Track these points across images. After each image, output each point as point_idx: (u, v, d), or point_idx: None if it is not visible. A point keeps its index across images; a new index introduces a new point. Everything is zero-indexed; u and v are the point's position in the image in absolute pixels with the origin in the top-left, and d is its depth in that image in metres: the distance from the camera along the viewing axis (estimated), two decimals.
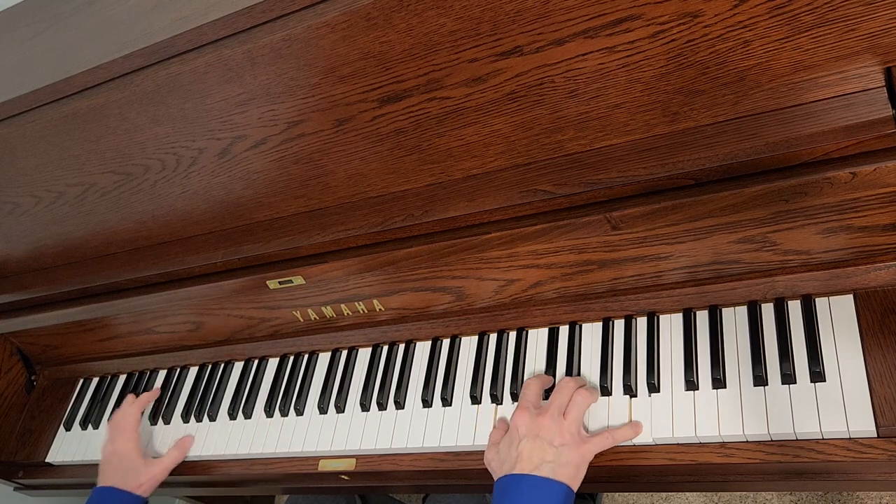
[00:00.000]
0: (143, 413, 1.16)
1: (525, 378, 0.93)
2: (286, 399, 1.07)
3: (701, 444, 0.79)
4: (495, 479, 0.82)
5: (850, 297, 0.79)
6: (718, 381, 0.81)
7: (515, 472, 0.79)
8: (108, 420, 1.15)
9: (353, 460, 0.99)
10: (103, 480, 1.06)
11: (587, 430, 0.84)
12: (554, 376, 0.91)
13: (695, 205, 0.76)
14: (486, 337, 0.99)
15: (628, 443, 0.82)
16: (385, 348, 1.05)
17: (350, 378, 1.05)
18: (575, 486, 0.78)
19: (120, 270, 1.10)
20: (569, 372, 0.89)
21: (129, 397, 1.17)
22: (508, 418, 0.88)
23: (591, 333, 0.92)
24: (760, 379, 0.79)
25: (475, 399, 0.94)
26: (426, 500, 1.19)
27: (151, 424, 1.17)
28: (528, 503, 0.76)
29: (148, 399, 1.17)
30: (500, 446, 0.84)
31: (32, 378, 1.35)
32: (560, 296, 0.92)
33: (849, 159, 0.71)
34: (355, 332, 1.07)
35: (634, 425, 0.82)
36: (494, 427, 0.89)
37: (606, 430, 0.83)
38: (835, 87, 0.71)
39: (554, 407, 0.82)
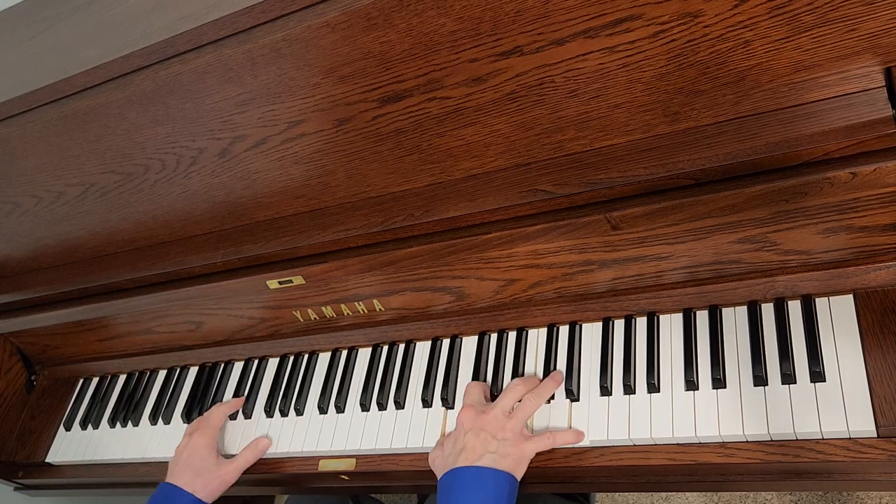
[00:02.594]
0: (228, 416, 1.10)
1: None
2: (286, 399, 1.07)
3: (701, 444, 0.79)
4: (438, 477, 0.85)
5: (850, 297, 0.79)
6: (718, 381, 0.81)
7: (459, 464, 0.82)
8: (190, 422, 1.11)
9: (353, 460, 0.99)
10: (171, 477, 1.01)
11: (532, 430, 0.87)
12: None
13: (695, 205, 0.76)
14: (486, 337, 0.99)
15: (629, 443, 0.83)
16: (385, 348, 1.05)
17: (350, 378, 1.05)
18: (518, 476, 0.82)
19: (120, 270, 1.10)
20: (569, 372, 0.89)
21: (218, 403, 1.11)
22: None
23: (591, 333, 0.92)
24: (760, 379, 0.79)
25: None
26: (426, 500, 1.19)
27: (152, 424, 1.17)
28: (474, 493, 0.79)
29: (235, 405, 1.10)
30: (444, 444, 0.87)
31: (32, 378, 1.35)
32: (560, 296, 0.92)
33: (849, 159, 0.71)
34: (355, 332, 1.07)
35: (576, 432, 0.85)
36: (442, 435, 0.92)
37: (548, 431, 0.85)
38: (835, 87, 0.71)
39: (499, 406, 0.86)
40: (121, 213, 1.06)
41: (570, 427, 0.86)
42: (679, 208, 0.77)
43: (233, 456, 1.04)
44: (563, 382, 0.89)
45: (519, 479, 0.82)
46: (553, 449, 0.86)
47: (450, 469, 0.82)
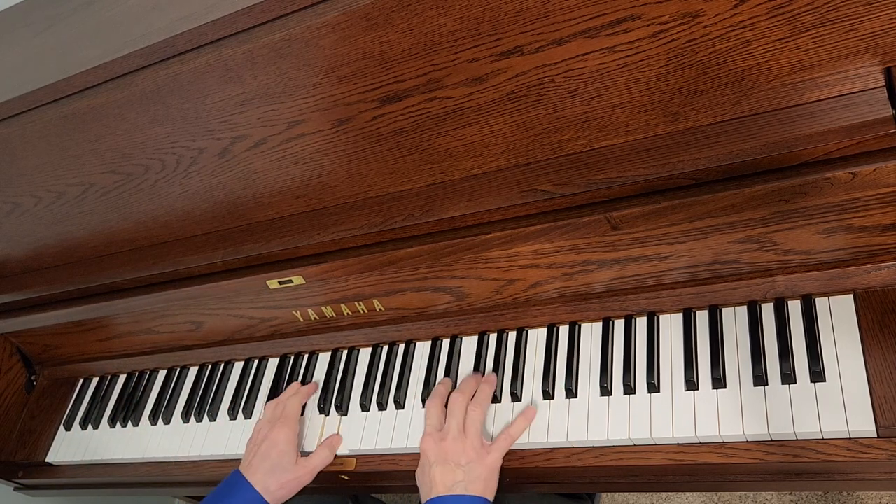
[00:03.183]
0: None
1: (524, 378, 0.93)
2: None
3: (701, 444, 0.79)
4: (422, 501, 0.86)
5: (850, 297, 0.79)
6: (718, 381, 0.81)
7: (433, 496, 0.83)
8: (267, 403, 1.04)
9: (353, 460, 0.99)
10: (247, 469, 0.95)
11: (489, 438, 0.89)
12: (554, 377, 0.91)
13: (695, 205, 0.76)
14: (486, 337, 0.99)
15: (629, 443, 0.83)
16: (385, 348, 1.05)
17: (350, 378, 1.05)
18: (490, 496, 0.84)
19: (120, 270, 1.10)
20: (569, 372, 0.89)
21: (294, 386, 1.05)
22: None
23: (591, 333, 0.92)
24: (760, 379, 0.79)
25: None
26: None
27: (151, 424, 1.17)
28: None
29: (310, 391, 1.04)
30: (416, 472, 0.88)
31: (32, 378, 1.35)
32: (560, 296, 0.92)
33: (849, 159, 0.71)
34: (355, 332, 1.07)
35: (525, 413, 0.88)
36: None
37: (503, 431, 0.87)
38: (835, 87, 0.71)
39: (453, 428, 0.87)
40: (121, 213, 1.06)
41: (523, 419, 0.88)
42: (679, 208, 0.77)
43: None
44: (565, 381, 0.89)
45: (493, 495, 0.84)
46: (551, 449, 0.86)
47: (426, 501, 0.84)
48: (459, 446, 0.85)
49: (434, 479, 0.84)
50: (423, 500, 0.85)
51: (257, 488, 0.92)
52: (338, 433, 1.00)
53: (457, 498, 0.82)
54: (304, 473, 0.95)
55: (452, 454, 0.85)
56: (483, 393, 0.91)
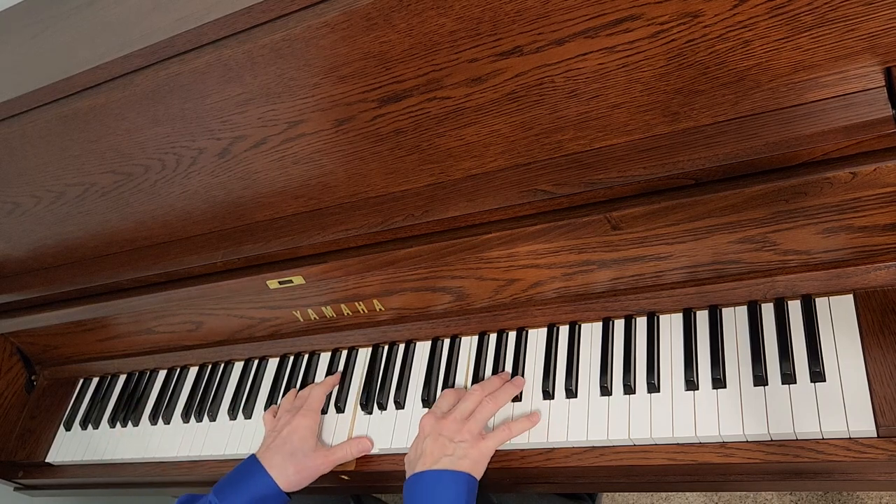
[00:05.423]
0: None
1: (524, 378, 0.93)
2: None
3: (701, 444, 0.79)
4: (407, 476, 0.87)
5: (850, 297, 0.79)
6: (718, 381, 0.81)
7: (418, 469, 0.84)
8: (286, 394, 1.06)
9: (353, 460, 0.99)
10: (264, 454, 0.95)
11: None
12: (554, 377, 0.91)
13: (695, 205, 0.76)
14: (486, 337, 0.99)
15: (629, 443, 0.83)
16: (385, 348, 1.05)
17: (350, 378, 1.05)
18: (477, 476, 0.84)
19: (120, 270, 1.10)
20: (569, 372, 0.89)
21: (315, 384, 1.05)
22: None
23: (591, 333, 0.92)
24: (760, 379, 0.79)
25: None
26: None
27: (151, 424, 1.17)
28: (433, 494, 0.81)
29: (333, 382, 1.04)
30: (409, 449, 0.89)
31: (32, 378, 1.35)
32: (560, 296, 0.92)
33: (849, 159, 0.71)
34: (355, 332, 1.07)
35: (531, 416, 0.88)
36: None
37: (504, 424, 0.87)
38: (835, 87, 0.71)
39: (458, 411, 0.88)
40: (121, 212, 1.07)
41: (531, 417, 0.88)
42: (679, 208, 0.77)
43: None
44: (565, 381, 0.89)
45: (479, 478, 0.84)
46: (551, 449, 0.86)
47: (411, 474, 0.84)
48: (457, 426, 0.86)
49: (424, 450, 0.85)
50: (409, 475, 0.85)
51: (272, 473, 0.92)
52: (368, 436, 0.98)
53: (440, 473, 0.82)
54: (323, 462, 0.95)
55: (447, 431, 0.86)
56: (505, 391, 0.90)
